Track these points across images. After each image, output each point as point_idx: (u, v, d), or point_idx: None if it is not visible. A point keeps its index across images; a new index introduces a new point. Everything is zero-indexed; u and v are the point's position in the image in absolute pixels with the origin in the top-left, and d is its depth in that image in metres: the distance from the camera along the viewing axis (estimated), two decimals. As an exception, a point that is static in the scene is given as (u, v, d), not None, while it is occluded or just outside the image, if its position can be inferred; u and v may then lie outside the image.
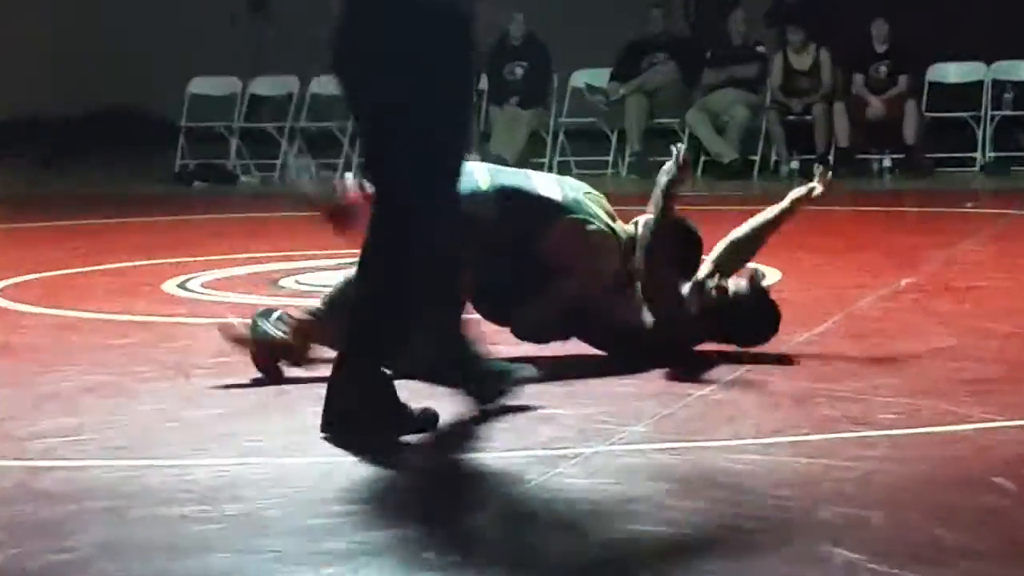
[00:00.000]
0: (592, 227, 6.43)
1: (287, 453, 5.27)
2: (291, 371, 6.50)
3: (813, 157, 15.45)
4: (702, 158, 15.62)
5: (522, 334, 6.53)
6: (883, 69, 15.46)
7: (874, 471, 4.93)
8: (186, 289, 8.92)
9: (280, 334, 6.27)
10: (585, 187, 6.67)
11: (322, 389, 5.90)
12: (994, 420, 5.47)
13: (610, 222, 6.55)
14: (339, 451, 5.26)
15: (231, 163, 16.72)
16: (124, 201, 14.46)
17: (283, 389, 6.19)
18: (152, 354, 7.01)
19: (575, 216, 6.40)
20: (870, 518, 4.44)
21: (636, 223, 6.59)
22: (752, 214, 6.81)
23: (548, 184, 6.59)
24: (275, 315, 6.34)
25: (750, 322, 6.48)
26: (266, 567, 4.09)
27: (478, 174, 6.47)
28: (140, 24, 18.12)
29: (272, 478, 4.95)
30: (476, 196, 6.33)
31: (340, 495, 4.72)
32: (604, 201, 6.66)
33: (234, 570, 4.08)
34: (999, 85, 15.72)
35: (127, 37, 18.03)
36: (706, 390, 6.01)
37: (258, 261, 9.99)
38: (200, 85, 17.02)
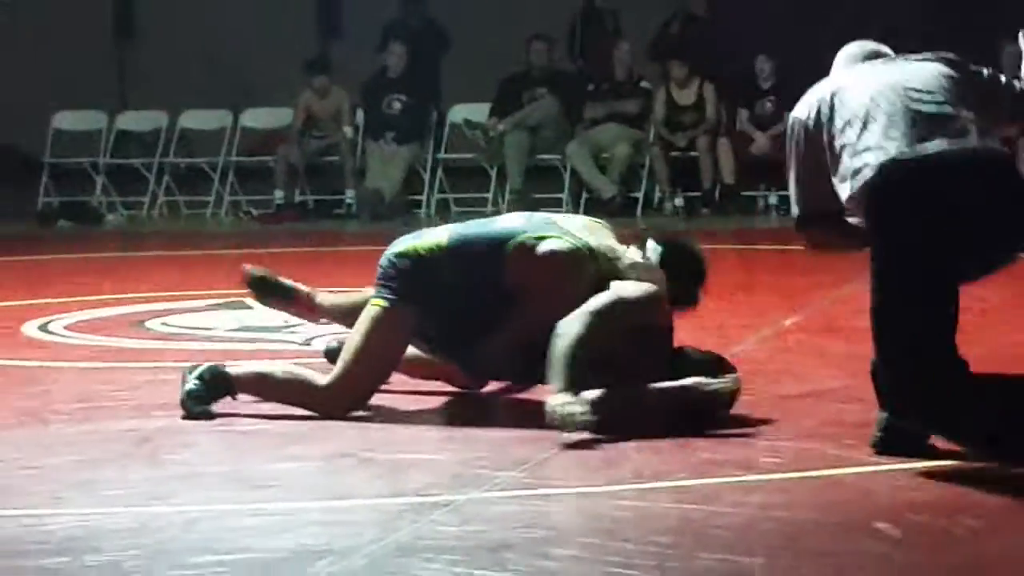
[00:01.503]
0: (545, 244, 6.30)
1: (149, 502, 5.22)
2: (156, 417, 6.47)
3: (698, 194, 15.57)
4: (584, 195, 15.67)
5: (481, 371, 6.51)
6: (769, 105, 15.59)
7: (756, 517, 4.96)
8: (48, 331, 8.84)
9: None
10: (566, 216, 6.71)
11: (183, 438, 5.92)
12: (878, 464, 5.50)
13: (581, 236, 6.39)
14: (205, 500, 5.24)
15: (97, 201, 16.61)
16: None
17: (146, 436, 6.14)
18: (9, 399, 6.94)
19: (522, 237, 6.33)
20: (751, 566, 4.46)
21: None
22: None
23: (512, 219, 6.62)
24: None
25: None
26: (126, 623, 4.07)
27: (438, 233, 6.52)
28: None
29: (133, 528, 4.91)
30: (433, 255, 6.40)
31: (206, 546, 4.68)
32: (597, 226, 6.59)
33: (94, 626, 4.06)
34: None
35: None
36: (585, 434, 6.01)
37: (124, 303, 9.92)
38: (64, 120, 16.91)
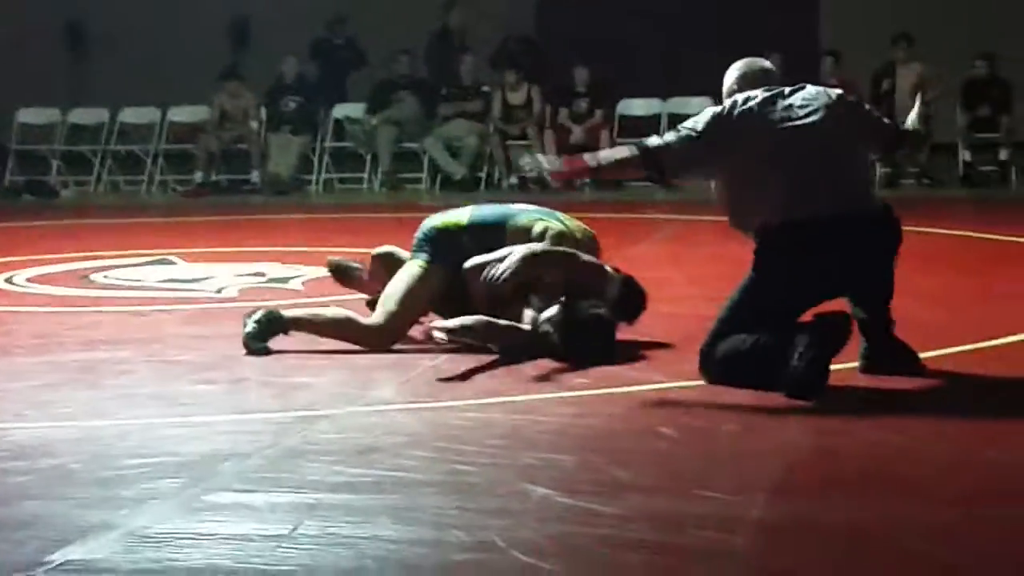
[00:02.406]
0: (539, 224, 6.32)
1: (91, 417, 5.16)
2: (98, 350, 6.39)
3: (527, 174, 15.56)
4: (439, 175, 15.64)
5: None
6: (583, 104, 15.60)
7: (568, 424, 4.98)
8: (12, 283, 8.68)
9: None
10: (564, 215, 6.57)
11: (119, 366, 5.84)
12: (663, 382, 5.55)
13: (567, 224, 6.42)
14: (136, 415, 5.18)
15: (53, 180, 16.33)
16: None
17: (90, 366, 6.06)
18: (-20, 337, 6.82)
19: (521, 219, 6.38)
20: (563, 461, 4.49)
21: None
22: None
23: (517, 206, 6.57)
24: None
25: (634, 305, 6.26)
26: (71, 511, 4.02)
27: (461, 214, 6.51)
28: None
29: (78, 438, 4.85)
30: (458, 229, 6.42)
31: (133, 451, 4.64)
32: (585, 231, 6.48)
33: (45, 514, 4.00)
34: (673, 117, 15.92)
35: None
36: (437, 360, 6.00)
37: (73, 260, 9.75)
38: (27, 115, 16.60)
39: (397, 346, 6.28)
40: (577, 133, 15.40)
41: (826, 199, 5.45)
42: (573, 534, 3.78)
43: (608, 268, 6.32)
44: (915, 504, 4.02)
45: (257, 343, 6.24)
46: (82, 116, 16.80)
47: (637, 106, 15.95)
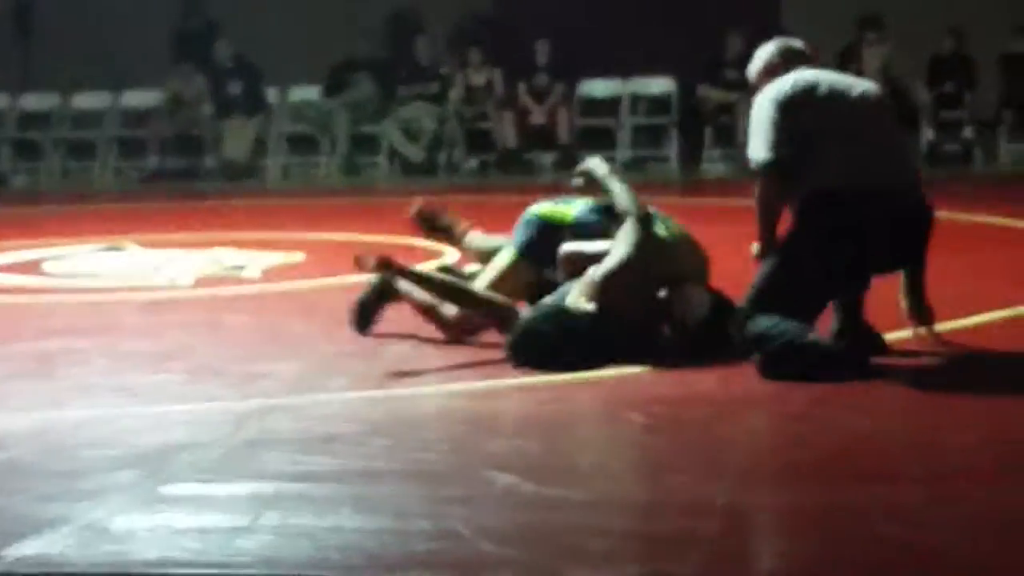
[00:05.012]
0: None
1: (46, 409, 5.13)
2: (53, 339, 6.36)
3: (487, 157, 15.57)
4: (397, 158, 15.63)
5: None
6: (543, 79, 15.58)
7: (533, 411, 4.98)
8: (-37, 273, 8.63)
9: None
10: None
11: (75, 356, 5.81)
12: (627, 368, 5.53)
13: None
14: (92, 406, 5.15)
15: (3, 167, 16.24)
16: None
17: (44, 357, 6.02)
18: (-69, 329, 6.76)
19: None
20: (528, 448, 4.48)
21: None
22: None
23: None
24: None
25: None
26: (26, 505, 3.99)
27: (569, 208, 6.24)
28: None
29: (33, 431, 4.82)
30: (561, 223, 6.19)
31: (89, 443, 4.62)
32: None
33: (1, 510, 3.97)
34: (635, 97, 15.94)
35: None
36: (404, 346, 5.98)
37: (25, 249, 9.69)
38: (-24, 102, 16.53)
39: (356, 335, 6.24)
40: (537, 114, 15.39)
41: (884, 171, 5.53)
42: (538, 521, 3.77)
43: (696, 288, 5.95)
44: (881, 486, 4.04)
45: (365, 312, 6.25)
46: (33, 102, 16.71)
47: (598, 88, 15.95)
